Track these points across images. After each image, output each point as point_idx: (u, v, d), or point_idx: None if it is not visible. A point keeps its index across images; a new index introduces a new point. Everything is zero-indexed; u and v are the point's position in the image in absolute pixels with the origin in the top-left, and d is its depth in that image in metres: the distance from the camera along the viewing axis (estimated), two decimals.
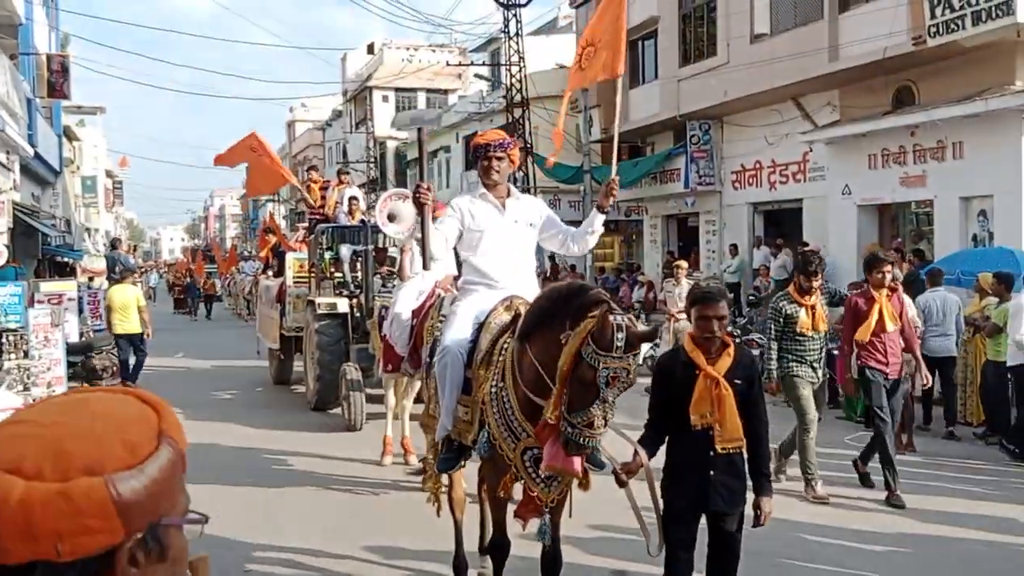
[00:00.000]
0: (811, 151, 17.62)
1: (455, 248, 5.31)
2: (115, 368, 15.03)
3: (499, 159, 5.02)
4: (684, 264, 14.72)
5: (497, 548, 4.68)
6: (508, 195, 5.17)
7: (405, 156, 41.68)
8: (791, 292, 7.63)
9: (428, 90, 43.92)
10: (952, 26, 13.13)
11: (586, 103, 22.48)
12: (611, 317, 3.64)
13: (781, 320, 7.57)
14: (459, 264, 6.94)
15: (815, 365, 7.59)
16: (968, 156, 14.10)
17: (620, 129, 22.20)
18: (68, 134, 32.50)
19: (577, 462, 3.90)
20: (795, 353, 7.58)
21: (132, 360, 15.00)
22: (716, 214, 21.06)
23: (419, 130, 5.18)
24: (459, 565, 5.41)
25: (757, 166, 19.45)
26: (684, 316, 13.78)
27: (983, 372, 10.04)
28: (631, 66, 21.94)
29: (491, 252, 5.06)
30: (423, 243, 4.96)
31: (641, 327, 3.73)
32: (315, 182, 14.19)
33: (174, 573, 1.17)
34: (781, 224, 19.67)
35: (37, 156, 22.56)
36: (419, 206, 4.86)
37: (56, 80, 23.98)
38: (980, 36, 12.94)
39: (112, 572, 1.08)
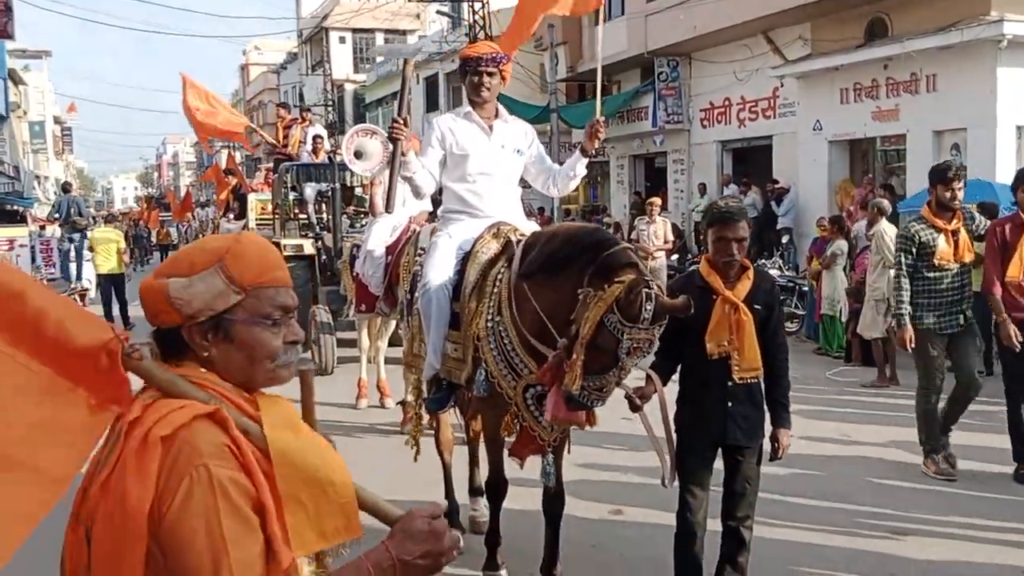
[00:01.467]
0: (781, 87, 17.36)
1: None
2: None
3: (490, 75, 4.62)
4: (658, 201, 14.48)
5: (494, 489, 4.43)
6: (496, 116, 4.78)
7: (364, 99, 40.81)
8: (925, 213, 6.12)
9: (386, 31, 42.82)
10: None
11: (552, 40, 21.96)
12: (642, 288, 3.32)
13: (914, 250, 6.05)
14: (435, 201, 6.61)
15: (957, 310, 6.11)
16: (941, 89, 13.93)
17: (586, 67, 21.51)
18: (13, 77, 31.29)
19: (582, 413, 3.67)
20: (928, 294, 6.08)
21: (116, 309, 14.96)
22: (684, 153, 20.80)
23: (404, 61, 4.80)
24: (450, 508, 5.16)
25: (726, 103, 19.17)
26: (661, 254, 13.69)
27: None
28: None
29: (475, 178, 4.70)
30: (390, 183, 4.64)
31: (670, 300, 3.42)
32: (282, 119, 13.74)
33: (251, 359, 1.67)
34: (750, 162, 19.47)
35: None
36: (393, 141, 4.53)
37: None
38: None
39: (195, 342, 1.66)
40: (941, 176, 6.03)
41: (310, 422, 1.78)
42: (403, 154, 4.53)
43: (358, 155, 8.62)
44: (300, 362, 1.78)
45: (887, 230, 9.55)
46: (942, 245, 5.98)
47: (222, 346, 1.66)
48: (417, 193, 4.79)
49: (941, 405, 6.37)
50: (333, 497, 1.61)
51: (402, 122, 4.49)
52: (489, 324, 4.08)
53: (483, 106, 4.71)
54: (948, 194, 5.94)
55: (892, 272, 6.44)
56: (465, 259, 4.51)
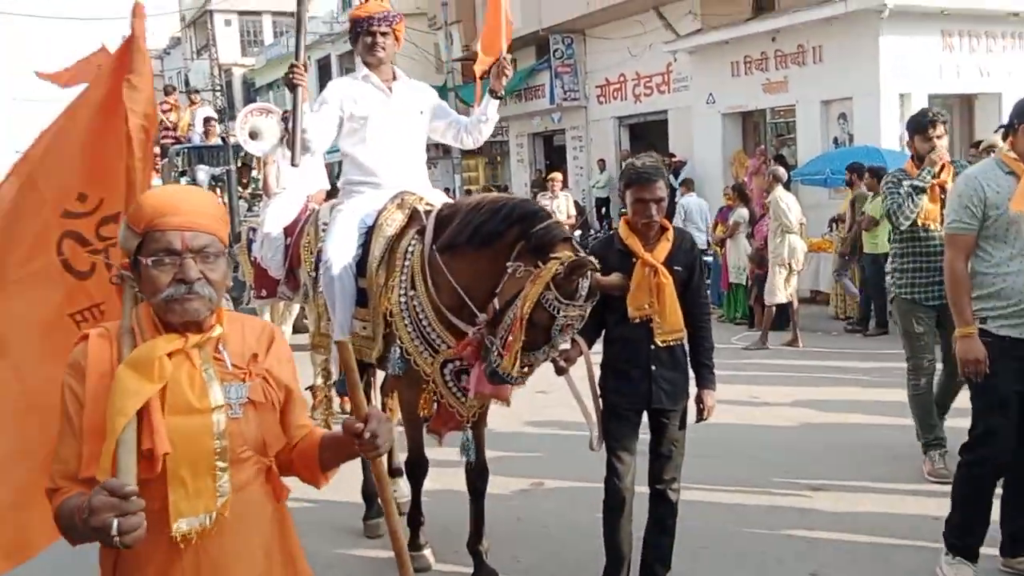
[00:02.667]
0: (675, 61, 17.57)
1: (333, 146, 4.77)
2: None
3: (383, 34, 4.45)
4: (559, 176, 14.52)
5: (415, 468, 4.32)
6: (394, 78, 4.61)
7: (254, 83, 39.70)
8: (908, 168, 5.45)
9: (274, 13, 41.67)
10: None
11: (446, 18, 21.73)
12: (582, 266, 3.27)
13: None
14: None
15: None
16: (827, 60, 14.31)
17: (476, 46, 21.32)
18: None
19: (507, 388, 3.62)
20: (911, 258, 5.38)
21: None
22: (582, 130, 20.89)
23: (298, 1, 4.48)
24: (368, 491, 5.01)
25: (621, 79, 19.31)
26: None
27: (861, 266, 10.29)
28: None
29: (376, 143, 4.52)
30: (293, 132, 4.35)
31: (606, 278, 3.40)
32: (171, 103, 13.19)
33: (150, 293, 1.97)
34: (647, 137, 19.64)
35: None
36: (291, 87, 4.27)
37: None
38: None
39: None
40: (917, 125, 5.41)
41: (354, 391, 2.02)
42: (303, 101, 4.31)
43: (253, 136, 8.32)
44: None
45: (782, 196, 9.79)
46: (926, 202, 5.25)
47: (140, 283, 2.01)
48: (307, 147, 4.40)
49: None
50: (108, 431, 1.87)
51: (301, 67, 4.25)
52: (402, 299, 3.94)
53: (379, 68, 4.54)
54: (927, 145, 5.29)
55: (895, 210, 5.30)
56: (369, 233, 4.34)
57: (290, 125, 4.33)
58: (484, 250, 3.62)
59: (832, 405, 7.17)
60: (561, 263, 3.27)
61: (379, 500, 4.96)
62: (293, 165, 4.95)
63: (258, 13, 42.01)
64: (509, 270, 3.42)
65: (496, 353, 3.41)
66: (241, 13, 41.94)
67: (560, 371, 3.57)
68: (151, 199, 2.03)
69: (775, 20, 14.76)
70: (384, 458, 2.09)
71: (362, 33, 4.47)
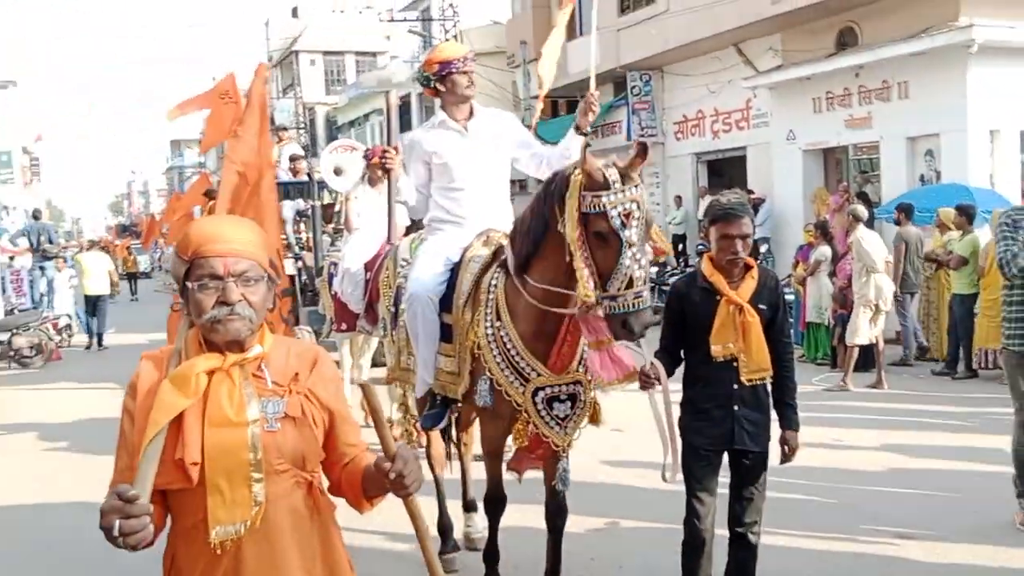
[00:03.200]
0: (754, 97, 17.42)
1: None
2: (43, 345, 14.27)
3: (463, 73, 4.50)
4: None
5: (495, 502, 4.29)
6: (470, 116, 4.63)
7: (336, 121, 40.66)
8: None
9: (357, 53, 42.79)
10: None
11: (524, 57, 21.98)
12: (590, 158, 3.43)
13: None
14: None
15: None
16: (913, 95, 14.01)
17: (559, 83, 21.29)
18: None
19: (628, 358, 3.68)
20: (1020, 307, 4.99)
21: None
22: (659, 166, 20.81)
23: (386, 94, 4.77)
24: (444, 524, 5.02)
25: (699, 115, 19.22)
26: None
27: (950, 306, 9.98)
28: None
29: (458, 185, 4.56)
30: (389, 210, 4.65)
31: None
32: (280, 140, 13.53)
33: (196, 315, 2.09)
34: (725, 173, 19.50)
35: None
36: (386, 172, 4.50)
37: None
38: None
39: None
40: None
41: (381, 430, 2.10)
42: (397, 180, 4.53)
43: (337, 172, 8.49)
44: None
45: (864, 235, 9.58)
46: None
47: (188, 306, 2.14)
48: (416, 214, 4.72)
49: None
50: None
51: (392, 151, 4.47)
52: (489, 331, 3.96)
53: (457, 108, 4.58)
54: None
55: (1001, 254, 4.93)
56: (454, 269, 4.39)
57: (385, 194, 4.60)
58: (542, 245, 3.71)
59: (919, 450, 6.94)
60: (576, 170, 3.47)
61: (453, 535, 5.04)
62: (389, 243, 5.14)
63: (341, 53, 43.14)
64: (559, 229, 3.56)
65: (589, 292, 3.45)
66: (325, 53, 43.14)
67: (645, 385, 3.57)
68: (196, 229, 2.18)
69: (859, 56, 14.53)
70: (416, 496, 2.13)
71: (454, 73, 4.50)
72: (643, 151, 3.49)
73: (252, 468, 2.04)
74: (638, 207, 3.43)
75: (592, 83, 4.75)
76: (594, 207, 3.40)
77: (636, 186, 3.47)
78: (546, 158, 4.71)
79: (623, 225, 3.38)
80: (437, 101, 4.72)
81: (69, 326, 16.35)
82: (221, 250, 2.09)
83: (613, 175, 3.42)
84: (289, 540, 2.11)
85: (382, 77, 29.42)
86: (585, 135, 4.61)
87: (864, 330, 9.40)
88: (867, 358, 9.77)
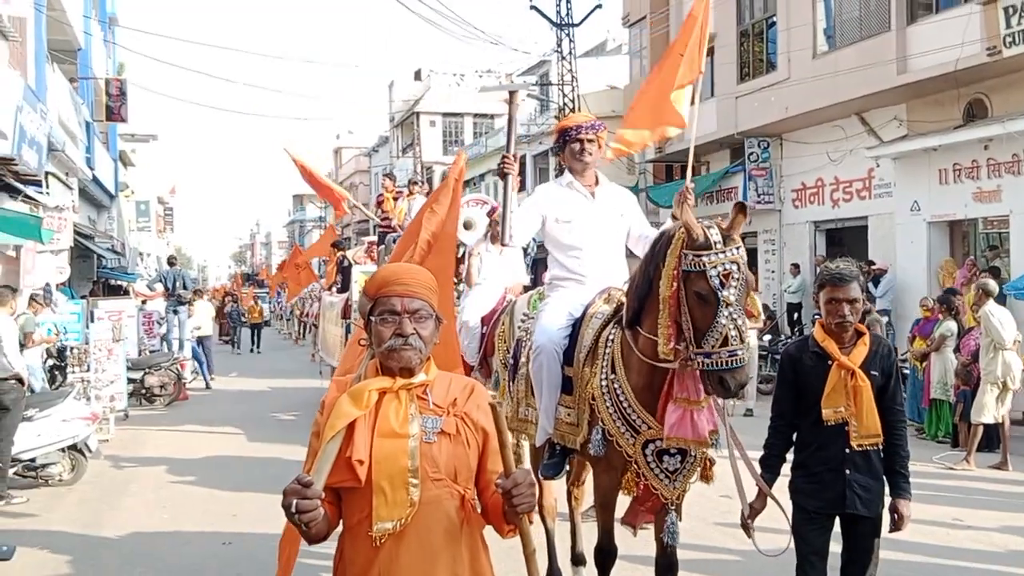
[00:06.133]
0: (877, 167, 17.14)
1: (531, 247, 5.03)
2: (172, 384, 15.01)
3: (590, 141, 4.71)
4: (750, 277, 14.31)
5: (605, 555, 4.36)
6: (596, 183, 4.83)
7: None
8: None
9: (475, 115, 43.96)
10: None
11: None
12: (689, 216, 3.57)
13: None
14: (534, 264, 6.60)
15: None
16: None
17: (675, 148, 21.56)
18: (123, 159, 32.95)
19: (702, 426, 3.77)
20: None
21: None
22: (776, 233, 20.61)
23: (511, 94, 4.89)
24: (552, 573, 5.10)
25: (819, 183, 19.00)
26: (754, 332, 13.43)
27: None
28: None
29: (581, 246, 4.73)
30: (504, 215, 4.70)
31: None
32: (388, 191, 14.05)
33: (377, 344, 2.48)
34: (844, 243, 19.14)
35: (95, 179, 22.84)
36: (503, 176, 4.67)
37: (114, 104, 24.33)
38: None
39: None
40: None
41: (504, 450, 2.43)
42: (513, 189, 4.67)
43: (467, 226, 8.76)
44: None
45: (994, 311, 9.31)
46: None
47: (370, 337, 2.52)
48: (511, 237, 4.70)
49: None
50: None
51: (512, 158, 4.65)
52: (603, 383, 4.09)
53: (584, 173, 4.77)
54: None
55: None
56: (576, 324, 4.54)
57: (497, 215, 4.70)
58: (652, 298, 3.84)
59: None
60: (679, 228, 3.59)
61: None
62: (502, 244, 5.29)
63: (460, 115, 44.36)
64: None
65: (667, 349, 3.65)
66: (445, 115, 44.43)
67: (748, 532, 3.78)
68: (381, 273, 2.62)
69: (987, 128, 14.19)
70: (526, 518, 2.40)
71: (569, 141, 4.73)
72: (742, 209, 3.60)
73: (410, 474, 2.37)
74: (738, 268, 3.54)
75: (688, 175, 4.98)
76: (694, 266, 3.54)
77: (737, 247, 3.58)
78: (651, 240, 4.85)
79: (722, 285, 3.50)
80: (566, 166, 4.91)
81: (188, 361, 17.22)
82: (399, 291, 2.48)
83: (715, 235, 3.55)
84: (440, 543, 2.38)
85: (504, 83, 29.80)
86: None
87: (991, 408, 9.08)
88: (991, 438, 9.40)
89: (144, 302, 19.85)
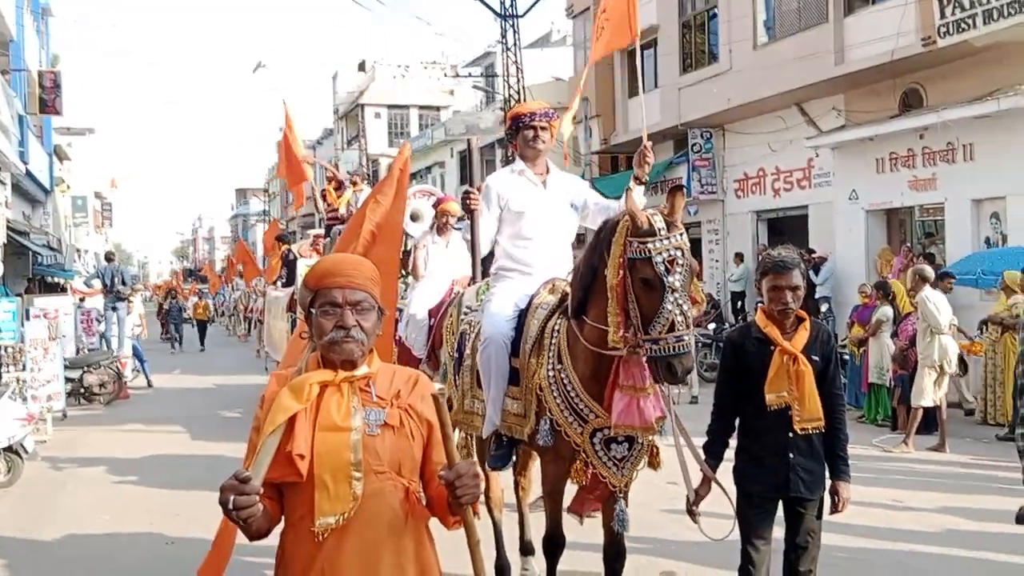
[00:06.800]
0: (816, 157, 17.43)
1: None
2: (112, 383, 14.70)
3: (543, 129, 4.71)
4: (453, 208, 14.27)
5: (554, 544, 4.36)
6: (547, 172, 4.84)
7: None
8: None
9: (420, 107, 43.76)
10: (963, 25, 12.96)
11: (586, 112, 22.30)
12: (635, 204, 3.63)
13: None
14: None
15: None
16: (979, 158, 13.92)
17: (620, 140, 21.66)
18: (59, 153, 32.15)
19: (649, 412, 3.79)
20: None
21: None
22: (719, 223, 20.85)
23: (468, 141, 4.99)
24: (502, 566, 5.10)
25: (760, 174, 19.25)
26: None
27: (1014, 370, 9.80)
28: (630, 75, 21.78)
29: (531, 236, 4.74)
30: (473, 248, 4.81)
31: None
32: (331, 179, 13.86)
33: (318, 337, 2.43)
34: (786, 232, 19.43)
35: (28, 174, 22.24)
36: (469, 212, 4.71)
37: (48, 96, 23.73)
38: (991, 35, 12.76)
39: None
40: None
41: (447, 441, 2.39)
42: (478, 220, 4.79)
43: (414, 217, 8.69)
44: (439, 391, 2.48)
45: (930, 296, 9.51)
46: None
47: (311, 330, 2.47)
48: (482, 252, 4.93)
49: None
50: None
51: (476, 193, 4.72)
52: (550, 373, 4.09)
53: (535, 160, 4.78)
54: None
55: None
56: (522, 315, 4.53)
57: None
58: (597, 287, 3.86)
59: (979, 513, 6.81)
60: (623, 216, 3.63)
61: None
62: (473, 281, 5.36)
63: (406, 107, 44.13)
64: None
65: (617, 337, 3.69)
66: (390, 107, 44.14)
67: (694, 517, 3.83)
68: (322, 264, 2.57)
69: (923, 117, 14.49)
70: (471, 509, 2.38)
71: (523, 128, 4.73)
72: (679, 190, 3.66)
73: (353, 468, 2.33)
74: (682, 254, 3.58)
75: (644, 135, 5.01)
76: (640, 252, 3.56)
77: (681, 233, 3.61)
78: (610, 209, 4.81)
79: (667, 271, 3.52)
80: (517, 153, 4.91)
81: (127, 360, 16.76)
82: (341, 282, 2.44)
83: (659, 222, 3.58)
84: (384, 536, 2.35)
85: (469, 123, 29.87)
86: (643, 185, 4.77)
87: (929, 391, 9.29)
88: (929, 421, 9.63)
89: (82, 299, 19.38)
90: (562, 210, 4.80)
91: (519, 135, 4.77)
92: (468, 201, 4.78)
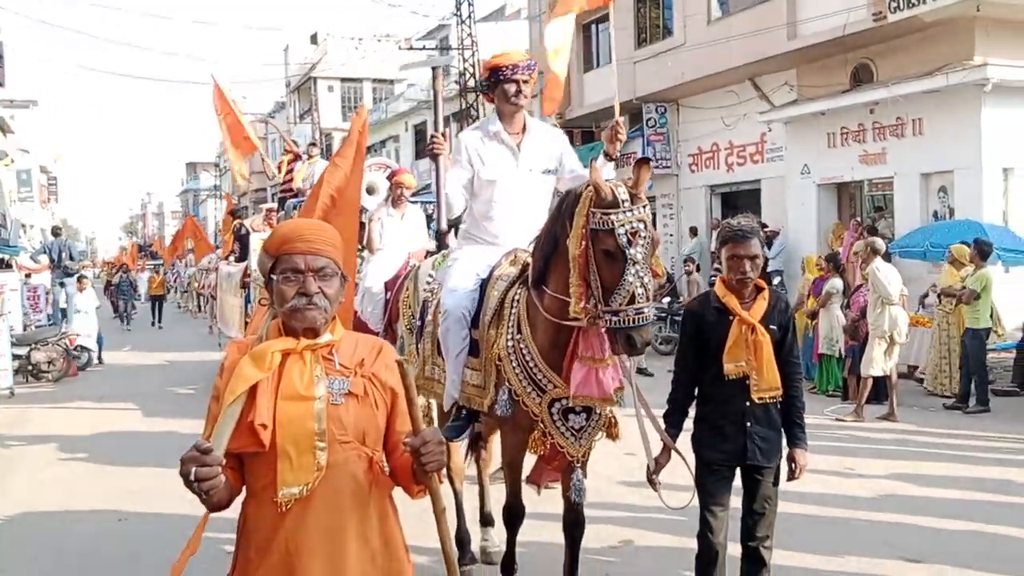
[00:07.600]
0: (769, 131, 17.59)
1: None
2: (61, 359, 14.44)
3: (525, 82, 4.44)
4: (408, 179, 14.19)
5: (513, 514, 4.37)
6: (524, 130, 4.59)
7: None
8: None
9: (374, 80, 43.28)
10: (912, 1, 13.13)
11: (541, 86, 22.16)
12: (599, 176, 3.57)
13: None
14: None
15: None
16: (927, 132, 14.16)
17: (575, 115, 21.52)
18: (2, 127, 31.30)
19: (607, 383, 3.80)
20: None
21: None
22: (673, 197, 20.97)
23: (433, 70, 4.74)
24: (462, 537, 5.11)
25: (714, 148, 19.39)
26: None
27: (962, 340, 10.04)
28: (584, 50, 21.72)
29: (501, 207, 4.59)
30: (438, 195, 4.65)
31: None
32: (287, 151, 13.64)
33: (279, 304, 2.37)
34: (739, 206, 19.58)
35: None
36: (434, 157, 4.57)
37: None
38: (940, 11, 12.97)
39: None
40: None
41: (412, 408, 2.32)
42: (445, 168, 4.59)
43: (370, 191, 8.58)
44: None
45: (881, 267, 9.67)
46: None
47: (272, 297, 2.41)
48: (450, 211, 4.73)
49: None
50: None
51: (440, 136, 4.53)
52: (509, 343, 4.07)
53: (513, 117, 4.56)
54: None
55: None
56: (483, 286, 4.48)
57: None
58: (557, 259, 3.84)
59: (929, 480, 7.00)
60: (587, 187, 3.61)
61: (470, 548, 5.13)
62: (439, 229, 5.20)
63: (359, 80, 43.60)
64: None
65: (578, 308, 3.66)
66: (343, 80, 43.59)
67: (654, 486, 3.82)
68: (282, 229, 2.50)
69: (873, 92, 14.70)
70: (435, 476, 2.35)
71: (503, 81, 4.47)
72: (645, 163, 3.64)
73: (317, 437, 2.29)
74: (644, 226, 3.56)
75: (616, 110, 4.80)
76: (602, 224, 3.53)
77: (644, 206, 3.60)
78: (582, 180, 4.73)
79: (629, 243, 3.50)
80: (493, 108, 4.72)
81: (86, 348, 16.22)
82: (302, 248, 2.37)
83: (623, 194, 3.56)
84: (348, 506, 2.31)
85: (427, 60, 29.29)
86: (614, 161, 4.65)
87: (879, 361, 9.46)
88: (879, 390, 9.82)
89: (28, 275, 18.96)
90: (535, 180, 4.63)
91: (498, 88, 4.51)
92: (433, 145, 4.57)
